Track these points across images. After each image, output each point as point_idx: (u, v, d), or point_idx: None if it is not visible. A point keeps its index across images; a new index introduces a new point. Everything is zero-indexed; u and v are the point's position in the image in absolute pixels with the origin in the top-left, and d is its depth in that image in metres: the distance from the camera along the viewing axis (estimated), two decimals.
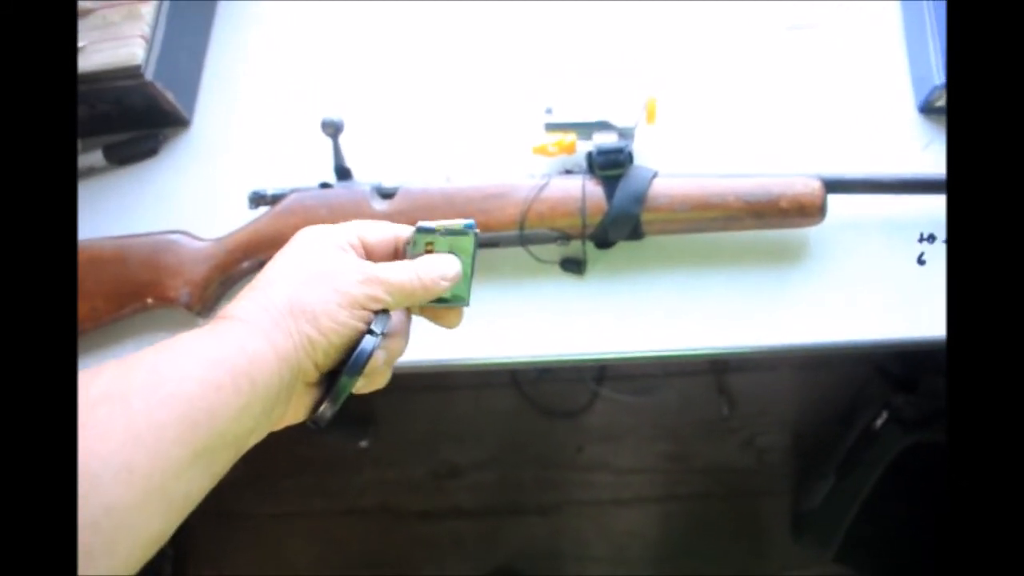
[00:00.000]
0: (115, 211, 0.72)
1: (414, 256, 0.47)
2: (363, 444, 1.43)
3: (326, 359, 0.42)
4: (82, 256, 0.66)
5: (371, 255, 0.46)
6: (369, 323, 0.43)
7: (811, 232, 0.65)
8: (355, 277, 0.42)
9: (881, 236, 0.65)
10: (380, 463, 1.45)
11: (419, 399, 1.45)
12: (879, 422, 1.24)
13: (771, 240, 0.65)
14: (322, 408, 0.43)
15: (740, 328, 0.63)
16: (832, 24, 0.72)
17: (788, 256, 0.65)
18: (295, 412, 0.43)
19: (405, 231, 0.47)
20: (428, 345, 0.64)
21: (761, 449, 1.41)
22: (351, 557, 1.42)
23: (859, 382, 1.35)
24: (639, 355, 0.63)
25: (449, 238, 0.47)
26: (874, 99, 0.69)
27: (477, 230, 0.47)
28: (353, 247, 0.45)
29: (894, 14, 0.71)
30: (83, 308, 0.65)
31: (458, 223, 0.47)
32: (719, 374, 1.43)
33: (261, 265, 0.64)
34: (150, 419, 0.32)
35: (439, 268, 0.46)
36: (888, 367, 1.33)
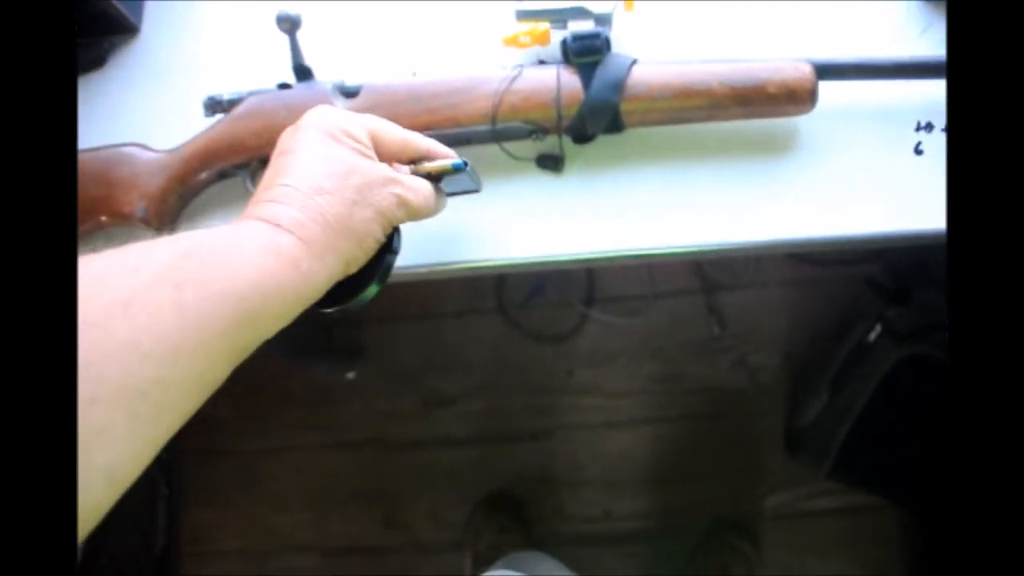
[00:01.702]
0: None
1: None
2: (350, 376, 1.42)
3: (356, 268, 0.46)
4: None
5: (377, 153, 0.48)
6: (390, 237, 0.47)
7: (801, 121, 0.61)
8: (391, 199, 0.46)
9: (876, 125, 0.61)
10: (369, 395, 1.43)
11: (405, 329, 1.43)
12: (872, 336, 1.23)
13: (758, 131, 0.61)
14: (346, 306, 0.47)
15: (728, 224, 0.60)
16: None
17: (777, 147, 0.62)
18: None
19: (415, 137, 0.51)
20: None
21: (753, 368, 1.40)
22: (343, 489, 1.42)
23: (850, 297, 1.33)
24: (622, 254, 0.60)
25: (450, 178, 0.52)
26: None
27: (467, 163, 0.52)
28: (368, 145, 0.48)
29: None
30: None
31: (446, 164, 0.51)
32: (708, 293, 1.41)
33: (221, 175, 0.62)
34: (199, 310, 0.35)
35: (443, 205, 0.54)
36: (879, 280, 1.31)
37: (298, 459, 1.44)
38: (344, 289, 0.45)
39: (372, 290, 0.46)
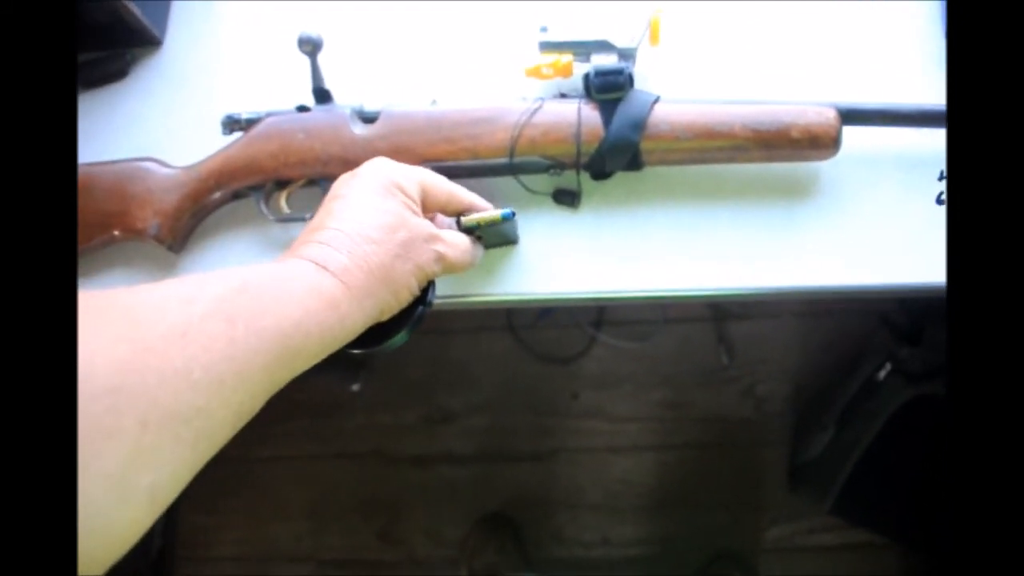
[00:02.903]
0: (82, 137, 0.67)
1: None
2: (355, 388, 1.41)
3: (389, 316, 0.47)
4: None
5: (424, 204, 0.51)
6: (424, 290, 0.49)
7: (822, 167, 0.60)
8: (431, 255, 0.48)
9: (898, 172, 0.60)
10: (373, 407, 1.43)
11: (413, 343, 1.40)
12: (882, 374, 1.22)
13: (779, 174, 0.61)
14: (374, 350, 0.48)
15: (745, 269, 0.59)
16: None
17: (797, 192, 0.61)
18: None
19: (459, 191, 0.53)
20: None
21: (760, 399, 1.38)
22: (343, 501, 1.41)
23: (862, 332, 1.31)
24: (636, 295, 0.60)
25: (493, 229, 0.54)
26: (897, 23, 0.63)
27: (515, 213, 0.54)
28: (417, 200, 0.50)
29: None
30: None
31: (496, 215, 0.54)
32: (719, 321, 1.40)
33: (235, 195, 0.62)
34: (247, 345, 0.36)
35: (479, 259, 0.56)
36: (893, 318, 1.30)
37: (299, 468, 1.43)
38: (374, 333, 0.47)
39: (401, 337, 0.48)
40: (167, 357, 0.33)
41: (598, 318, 1.40)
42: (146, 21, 0.68)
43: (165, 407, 0.32)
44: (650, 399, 1.39)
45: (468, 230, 0.54)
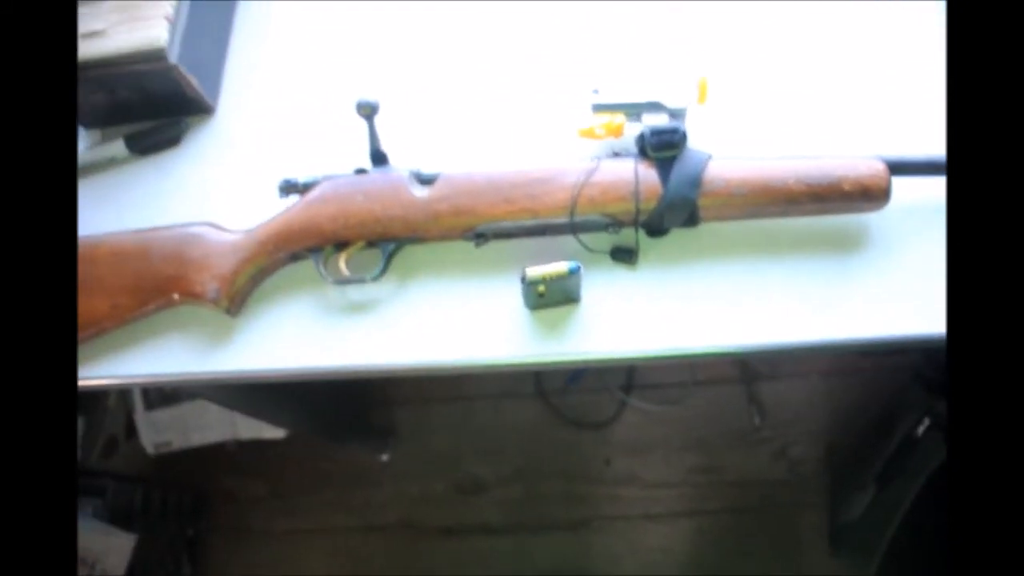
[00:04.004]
0: (138, 203, 0.68)
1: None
2: (384, 458, 1.39)
3: None
4: (103, 250, 0.63)
5: None
6: None
7: (872, 218, 0.61)
8: None
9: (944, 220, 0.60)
10: (401, 477, 1.40)
11: (440, 410, 1.41)
12: (920, 429, 1.20)
13: (830, 226, 0.61)
14: None
15: (802, 323, 0.59)
16: None
17: (848, 244, 0.61)
18: None
19: None
20: (460, 345, 0.61)
21: (794, 460, 1.37)
22: (374, 574, 1.38)
23: (892, 389, 1.30)
24: (696, 352, 0.59)
25: (558, 284, 0.54)
26: (940, 74, 0.65)
27: (580, 267, 0.54)
28: None
29: None
30: (105, 305, 0.62)
31: (562, 269, 0.54)
32: (749, 382, 1.39)
33: (293, 258, 0.62)
34: None
35: None
36: (925, 372, 1.29)
37: (327, 541, 1.40)
38: None
39: None
40: None
41: (628, 382, 1.39)
42: (200, 89, 0.70)
43: None
44: (683, 464, 1.37)
45: (533, 284, 0.54)
